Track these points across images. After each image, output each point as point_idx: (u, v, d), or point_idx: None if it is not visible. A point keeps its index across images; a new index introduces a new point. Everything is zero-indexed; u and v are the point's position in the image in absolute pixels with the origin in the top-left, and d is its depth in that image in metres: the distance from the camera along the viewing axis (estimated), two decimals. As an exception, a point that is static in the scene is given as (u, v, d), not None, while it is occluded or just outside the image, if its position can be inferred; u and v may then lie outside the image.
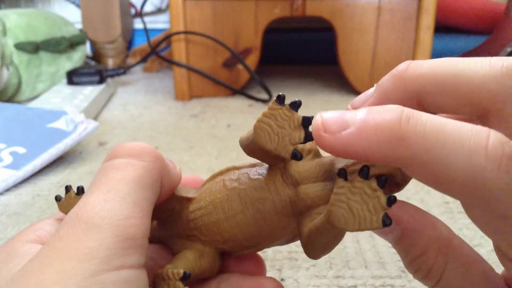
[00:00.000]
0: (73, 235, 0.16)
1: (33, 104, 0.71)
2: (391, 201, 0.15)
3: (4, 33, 0.78)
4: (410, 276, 0.19)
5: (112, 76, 0.89)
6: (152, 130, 0.68)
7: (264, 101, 0.82)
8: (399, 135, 0.14)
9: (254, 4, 0.81)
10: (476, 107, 0.16)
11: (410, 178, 0.18)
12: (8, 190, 0.47)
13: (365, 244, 0.37)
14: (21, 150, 0.52)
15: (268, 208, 0.19)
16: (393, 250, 0.29)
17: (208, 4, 0.81)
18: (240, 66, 0.85)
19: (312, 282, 0.32)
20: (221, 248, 0.21)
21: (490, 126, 0.14)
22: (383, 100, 0.17)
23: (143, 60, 0.99)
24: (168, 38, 0.83)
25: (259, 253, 0.22)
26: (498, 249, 0.16)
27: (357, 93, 0.85)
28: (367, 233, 0.38)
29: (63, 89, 0.81)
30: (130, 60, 1.16)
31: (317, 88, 0.92)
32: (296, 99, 0.17)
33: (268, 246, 0.21)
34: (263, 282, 0.21)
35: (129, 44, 1.25)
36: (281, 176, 0.19)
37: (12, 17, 0.82)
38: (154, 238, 0.23)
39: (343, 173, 0.16)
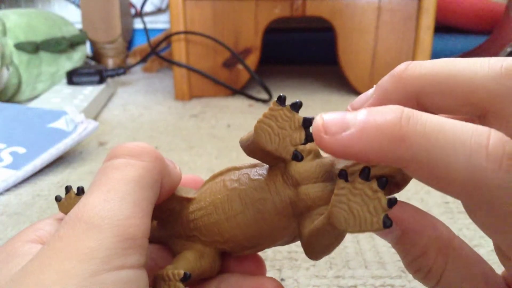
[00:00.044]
0: (73, 235, 0.16)
1: (33, 104, 0.71)
2: (392, 202, 0.15)
3: (4, 33, 0.78)
4: (410, 276, 0.19)
5: (112, 76, 0.89)
6: (152, 130, 0.68)
7: (264, 101, 0.82)
8: (399, 136, 0.14)
9: (254, 4, 0.81)
10: (475, 107, 0.16)
11: (410, 178, 0.18)
12: (8, 190, 0.47)
13: (365, 244, 0.37)
14: (21, 150, 0.52)
15: (269, 208, 0.19)
16: (393, 250, 0.29)
17: (208, 4, 0.81)
18: (240, 66, 0.85)
19: (312, 282, 0.32)
20: (221, 248, 0.21)
21: (489, 126, 0.14)
22: (382, 100, 0.17)
23: (143, 60, 0.99)
24: (168, 38, 0.83)
25: (259, 253, 0.22)
26: (498, 249, 0.17)
27: (357, 93, 0.85)
28: (367, 233, 0.38)
29: (63, 89, 0.81)
30: (130, 60, 1.16)
31: (317, 88, 0.92)
32: (297, 100, 0.17)
33: (269, 246, 0.21)
34: (263, 282, 0.21)
35: (129, 44, 1.25)
36: (281, 177, 0.19)
37: (12, 17, 0.82)
38: (154, 238, 0.23)
39: (343, 174, 0.16)
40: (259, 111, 0.77)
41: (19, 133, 0.54)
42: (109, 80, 0.89)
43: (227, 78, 0.86)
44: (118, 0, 1.08)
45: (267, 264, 0.34)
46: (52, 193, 0.47)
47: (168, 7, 1.00)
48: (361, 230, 0.15)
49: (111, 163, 0.18)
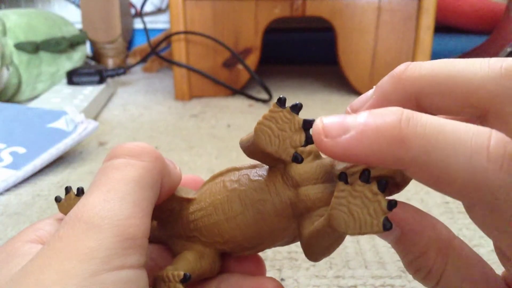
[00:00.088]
0: (73, 235, 0.16)
1: (33, 104, 0.71)
2: (392, 205, 0.15)
3: (4, 33, 0.78)
4: (410, 276, 0.19)
5: (112, 76, 0.89)
6: (152, 130, 0.68)
7: (264, 101, 0.82)
8: (399, 137, 0.14)
9: (254, 4, 0.81)
10: (475, 108, 0.16)
11: (411, 179, 0.18)
12: (8, 190, 0.47)
13: (365, 244, 0.37)
14: (21, 150, 0.52)
15: (268, 209, 0.19)
16: (393, 250, 0.29)
17: (208, 4, 0.81)
18: (240, 66, 0.85)
19: (312, 282, 0.32)
20: (221, 249, 0.21)
21: (489, 127, 0.14)
22: (382, 101, 0.17)
23: (143, 60, 0.99)
24: (168, 38, 0.83)
25: (259, 253, 0.22)
26: (498, 250, 0.17)
27: (357, 93, 0.85)
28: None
29: (63, 89, 0.81)
30: (130, 60, 1.16)
31: (317, 88, 0.92)
32: (297, 102, 0.17)
33: (269, 247, 0.21)
34: (263, 282, 0.21)
35: (129, 44, 1.25)
36: (281, 178, 0.19)
37: (12, 17, 0.82)
38: (154, 238, 0.23)
39: (343, 177, 0.16)
40: (259, 111, 0.77)
41: (19, 133, 0.54)
42: (109, 80, 0.89)
43: (227, 78, 0.86)
44: (118, 0, 1.08)
45: (267, 264, 0.34)
46: (52, 193, 0.47)
47: (168, 7, 1.00)
48: (361, 232, 0.16)
49: (111, 163, 0.18)
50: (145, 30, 0.95)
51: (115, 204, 0.16)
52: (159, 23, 1.25)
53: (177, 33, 0.81)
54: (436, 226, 0.18)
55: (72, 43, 0.92)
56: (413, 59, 0.82)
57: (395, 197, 0.18)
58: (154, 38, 1.08)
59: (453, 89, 0.16)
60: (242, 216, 0.20)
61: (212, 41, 0.83)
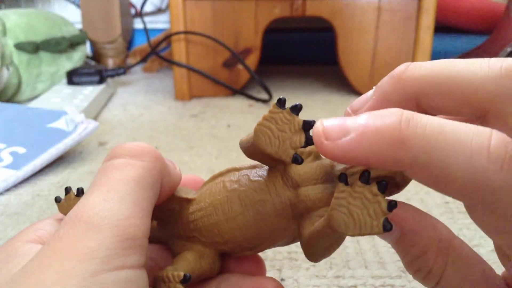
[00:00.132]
0: (73, 235, 0.16)
1: (33, 104, 0.71)
2: (392, 206, 0.15)
3: (4, 33, 0.78)
4: (410, 276, 0.19)
5: (112, 76, 0.89)
6: (152, 130, 0.68)
7: (264, 101, 0.82)
8: (399, 138, 0.14)
9: (254, 4, 0.81)
10: (475, 108, 0.16)
11: (410, 180, 0.18)
12: (8, 190, 0.47)
13: (365, 244, 0.37)
14: (21, 150, 0.52)
15: (268, 210, 0.19)
16: (393, 250, 0.29)
17: (208, 4, 0.81)
18: (240, 66, 0.85)
19: (312, 282, 0.32)
20: (221, 249, 0.21)
21: (489, 127, 0.14)
22: (382, 102, 0.17)
23: (143, 60, 0.99)
24: (168, 38, 0.83)
25: (259, 253, 0.22)
26: (499, 250, 0.17)
27: (357, 93, 0.85)
28: (367, 233, 0.38)
29: (63, 89, 0.81)
30: (130, 60, 1.16)
31: (317, 88, 0.92)
32: (297, 103, 0.17)
33: (268, 247, 0.21)
34: (263, 282, 0.21)
35: (129, 44, 1.25)
36: (281, 178, 0.19)
37: (12, 17, 0.82)
38: (154, 239, 0.23)
39: (343, 178, 0.16)
40: (259, 111, 0.77)
41: (19, 133, 0.54)
42: (109, 80, 0.89)
43: (227, 78, 0.86)
44: (118, 0, 1.08)
45: (267, 264, 0.34)
46: (52, 193, 0.47)
47: (168, 7, 1.00)
48: (361, 233, 0.16)
49: (111, 163, 0.18)
50: (145, 30, 0.95)
51: (115, 204, 0.16)
52: (159, 23, 1.25)
53: (177, 33, 0.81)
54: (436, 226, 0.18)
55: (72, 43, 0.92)
56: (413, 59, 0.82)
57: (395, 197, 0.18)
58: (154, 38, 1.08)
59: (453, 89, 0.16)
60: (242, 217, 0.20)
61: (212, 41, 0.83)
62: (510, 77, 0.15)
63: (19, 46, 0.79)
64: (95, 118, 0.74)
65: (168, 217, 0.22)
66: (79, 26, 1.12)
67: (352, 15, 0.81)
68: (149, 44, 0.95)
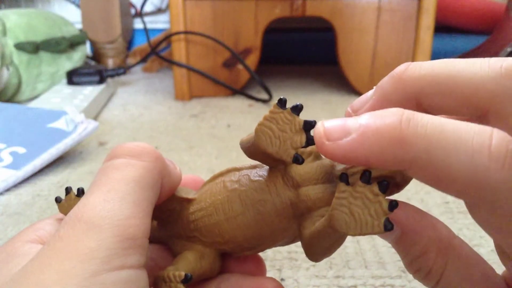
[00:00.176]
0: (73, 235, 0.16)
1: (33, 104, 0.71)
2: (393, 205, 0.15)
3: (4, 33, 0.78)
4: (410, 276, 0.19)
5: (112, 76, 0.89)
6: (152, 130, 0.68)
7: (264, 101, 0.82)
8: (400, 138, 0.14)
9: (254, 4, 0.81)
10: (475, 108, 0.16)
11: (411, 179, 0.18)
12: (8, 190, 0.47)
13: (365, 244, 0.37)
14: (21, 150, 0.52)
15: (269, 210, 0.19)
16: (393, 250, 0.29)
17: (208, 4, 0.81)
18: (240, 66, 0.85)
19: (312, 282, 0.32)
20: (222, 249, 0.21)
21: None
22: (382, 102, 0.17)
23: (143, 60, 0.99)
24: (168, 38, 0.83)
25: (259, 253, 0.22)
26: (499, 249, 0.17)
27: (357, 93, 0.85)
28: (367, 233, 0.38)
29: (63, 89, 0.81)
30: (130, 60, 1.16)
31: (317, 88, 0.92)
32: (298, 103, 0.18)
33: (269, 247, 0.21)
34: (263, 282, 0.21)
35: (129, 44, 1.25)
36: (281, 178, 0.19)
37: (12, 17, 0.82)
38: (154, 239, 0.23)
39: (345, 178, 0.16)
40: (259, 111, 0.77)
41: (19, 133, 0.54)
42: (109, 80, 0.89)
43: (227, 78, 0.86)
44: (118, 0, 1.08)
45: (267, 264, 0.34)
46: (52, 193, 0.47)
47: (168, 7, 1.00)
48: (362, 233, 0.16)
49: (111, 163, 0.18)
50: (145, 30, 0.95)
51: (115, 204, 0.16)
52: (159, 23, 1.25)
53: (177, 33, 0.81)
54: (436, 226, 0.18)
55: (72, 43, 0.92)
56: (413, 59, 0.82)
57: (395, 197, 0.18)
58: (154, 38, 1.08)
59: (453, 89, 0.16)
60: (242, 217, 0.20)
61: (212, 41, 0.83)
62: (510, 77, 0.15)
63: (19, 46, 0.79)
64: (95, 118, 0.74)
65: (168, 217, 0.22)
66: (79, 26, 1.12)
67: (352, 15, 0.81)
68: (149, 44, 0.95)
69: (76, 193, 0.22)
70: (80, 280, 0.14)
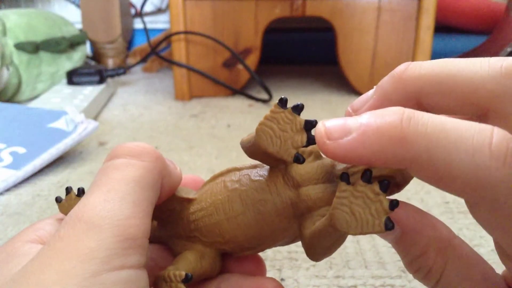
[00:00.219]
0: (74, 235, 0.16)
1: (33, 104, 0.71)
2: (394, 205, 0.15)
3: (4, 33, 0.78)
4: (410, 276, 0.19)
5: (112, 76, 0.89)
6: (152, 130, 0.68)
7: (264, 101, 0.82)
8: (400, 137, 0.14)
9: (254, 4, 0.81)
10: (475, 107, 0.16)
11: (411, 179, 0.18)
12: (8, 190, 0.47)
13: (365, 244, 0.37)
14: (21, 150, 0.52)
15: (269, 209, 0.19)
16: (393, 250, 0.29)
17: (208, 4, 0.81)
18: (240, 66, 0.85)
19: (312, 282, 0.32)
20: (222, 249, 0.21)
21: None
22: (383, 101, 0.17)
23: (143, 60, 0.99)
24: (168, 38, 0.83)
25: (259, 253, 0.22)
26: (499, 248, 0.17)
27: (357, 93, 0.85)
28: (367, 233, 0.38)
29: (63, 89, 0.81)
30: (130, 60, 1.16)
31: (317, 88, 0.92)
32: (299, 103, 0.18)
33: (269, 247, 0.21)
34: (263, 282, 0.21)
35: (129, 44, 1.25)
36: (282, 178, 0.19)
37: (12, 17, 0.82)
38: (154, 238, 0.23)
39: (345, 177, 0.16)
40: (259, 111, 0.77)
41: (19, 133, 0.54)
42: (109, 80, 0.89)
43: (227, 78, 0.86)
44: (118, 0, 1.08)
45: (267, 264, 0.34)
46: (52, 193, 0.47)
47: (168, 7, 1.00)
48: (362, 232, 0.16)
49: (112, 163, 0.18)
50: (145, 30, 0.95)
51: (115, 204, 0.16)
52: (159, 23, 1.25)
53: (177, 33, 0.81)
54: (436, 226, 0.18)
55: (72, 43, 0.92)
56: (413, 59, 0.82)
57: (395, 196, 0.18)
58: (154, 38, 1.08)
59: (453, 88, 0.16)
60: (243, 216, 0.20)
61: (212, 41, 0.83)
62: (510, 76, 0.15)
63: (19, 46, 0.79)
64: (95, 118, 0.74)
65: (169, 217, 0.22)
66: (79, 26, 1.12)
67: (352, 15, 0.81)
68: (149, 44, 0.95)
69: (76, 193, 0.22)
70: (80, 280, 0.14)
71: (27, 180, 0.50)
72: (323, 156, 0.20)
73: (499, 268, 0.18)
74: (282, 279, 0.33)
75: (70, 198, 0.22)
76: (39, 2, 1.23)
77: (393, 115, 0.14)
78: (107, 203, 0.16)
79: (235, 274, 0.22)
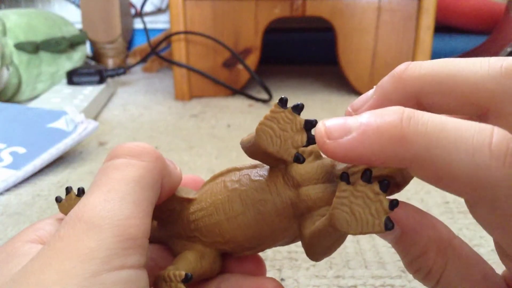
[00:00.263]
0: (74, 235, 0.16)
1: (33, 104, 0.71)
2: (394, 205, 0.15)
3: (4, 33, 0.78)
4: (410, 276, 0.19)
5: (112, 76, 0.89)
6: (152, 130, 0.68)
7: (264, 101, 0.82)
8: (400, 136, 0.14)
9: (254, 4, 0.81)
10: (475, 107, 0.16)
11: (411, 179, 0.18)
12: (8, 190, 0.47)
13: (365, 244, 0.37)
14: (21, 150, 0.52)
15: (269, 209, 0.19)
16: (393, 250, 0.29)
17: (208, 4, 0.81)
18: (240, 66, 0.85)
19: (312, 282, 0.32)
20: (222, 249, 0.21)
21: None
22: (383, 101, 0.17)
23: (143, 60, 0.99)
24: (168, 38, 0.83)
25: (259, 253, 0.22)
26: (499, 248, 0.17)
27: (357, 93, 0.85)
28: (367, 233, 0.38)
29: (63, 89, 0.81)
30: (130, 60, 1.16)
31: (317, 88, 0.92)
32: (299, 103, 0.18)
33: (269, 247, 0.21)
34: (263, 282, 0.21)
35: (129, 44, 1.25)
36: (282, 178, 0.19)
37: (12, 17, 0.82)
38: (154, 238, 0.23)
39: (345, 177, 0.16)
40: (259, 111, 0.77)
41: (19, 133, 0.54)
42: (109, 80, 0.89)
43: (227, 78, 0.86)
44: (118, 0, 1.08)
45: (267, 264, 0.34)
46: (52, 193, 0.47)
47: (168, 7, 1.00)
48: (362, 232, 0.16)
49: (112, 163, 0.18)
50: (145, 30, 0.95)
51: (115, 204, 0.16)
52: (159, 23, 1.25)
53: (177, 33, 0.81)
54: (436, 226, 0.18)
55: (72, 43, 0.92)
56: (413, 59, 0.82)
57: (395, 196, 0.18)
58: (154, 38, 1.08)
59: (453, 88, 0.16)
60: (243, 216, 0.20)
61: (212, 41, 0.83)
62: (510, 76, 0.15)
63: (19, 46, 0.79)
64: (95, 118, 0.74)
65: (169, 217, 0.22)
66: (79, 26, 1.12)
67: (352, 15, 0.81)
68: (149, 44, 0.95)
69: (76, 193, 0.22)
70: (80, 280, 0.14)
71: (27, 180, 0.50)
72: (323, 156, 0.20)
73: (499, 268, 0.18)
74: (282, 279, 0.33)
75: (70, 198, 0.22)
76: (39, 2, 1.23)
77: (393, 114, 0.14)
78: (107, 203, 0.16)
79: (235, 274, 0.22)
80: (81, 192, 0.22)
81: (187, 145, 0.61)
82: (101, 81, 0.85)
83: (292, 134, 0.17)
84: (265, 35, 0.84)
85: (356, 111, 0.18)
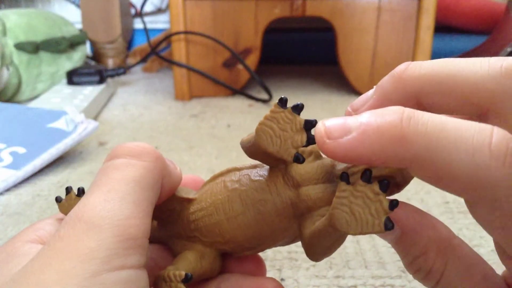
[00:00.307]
0: (74, 235, 0.16)
1: (33, 104, 0.71)
2: (393, 205, 0.15)
3: (4, 33, 0.78)
4: (410, 276, 0.19)
5: (112, 76, 0.89)
6: (152, 130, 0.68)
7: (264, 101, 0.82)
8: (400, 136, 0.14)
9: (254, 4, 0.81)
10: (475, 107, 0.16)
11: (411, 179, 0.18)
12: (8, 190, 0.47)
13: (365, 244, 0.37)
14: (21, 150, 0.52)
15: (269, 209, 0.19)
16: (393, 250, 0.29)
17: (208, 4, 0.81)
18: (240, 66, 0.85)
19: (312, 282, 0.32)
20: (222, 249, 0.21)
21: None
22: (383, 101, 0.17)
23: (143, 60, 0.99)
24: (168, 38, 0.83)
25: (259, 253, 0.22)
26: (499, 248, 0.17)
27: (357, 93, 0.85)
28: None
29: (63, 89, 0.81)
30: (130, 60, 1.16)
31: (317, 88, 0.92)
32: (298, 103, 0.18)
33: (269, 247, 0.21)
34: (263, 282, 0.21)
35: (129, 44, 1.25)
36: (282, 178, 0.19)
37: (12, 17, 0.82)
38: (154, 238, 0.23)
39: (345, 177, 0.16)
40: (259, 111, 0.77)
41: (19, 133, 0.54)
42: (109, 80, 0.89)
43: (227, 78, 0.86)
44: (118, 0, 1.08)
45: (267, 264, 0.34)
46: (52, 193, 0.47)
47: (168, 7, 1.00)
48: (362, 232, 0.16)
49: (112, 163, 0.18)
50: (145, 30, 0.95)
51: (115, 204, 0.16)
52: (159, 23, 1.25)
53: (177, 33, 0.81)
54: (436, 226, 0.18)
55: (72, 43, 0.92)
56: (413, 59, 0.82)
57: (395, 197, 0.18)
58: (154, 38, 1.08)
59: (453, 88, 0.16)
60: (243, 216, 0.20)
61: (212, 41, 0.83)
62: (510, 76, 0.15)
63: (19, 46, 0.79)
64: (95, 118, 0.74)
65: (169, 217, 0.22)
66: (79, 26, 1.12)
67: (352, 15, 0.81)
68: (149, 44, 0.95)
69: (76, 193, 0.22)
70: (80, 280, 0.14)
71: (27, 180, 0.50)
72: (323, 156, 0.20)
73: (499, 268, 0.18)
74: (282, 279, 0.33)
75: (70, 198, 0.22)
76: (39, 2, 1.23)
77: (393, 114, 0.14)
78: (107, 203, 0.16)
79: (235, 274, 0.22)
80: (81, 192, 0.22)
81: (187, 145, 0.61)
82: (101, 81, 0.85)
83: (292, 134, 0.17)
84: (265, 35, 0.84)
85: (356, 111, 0.18)
